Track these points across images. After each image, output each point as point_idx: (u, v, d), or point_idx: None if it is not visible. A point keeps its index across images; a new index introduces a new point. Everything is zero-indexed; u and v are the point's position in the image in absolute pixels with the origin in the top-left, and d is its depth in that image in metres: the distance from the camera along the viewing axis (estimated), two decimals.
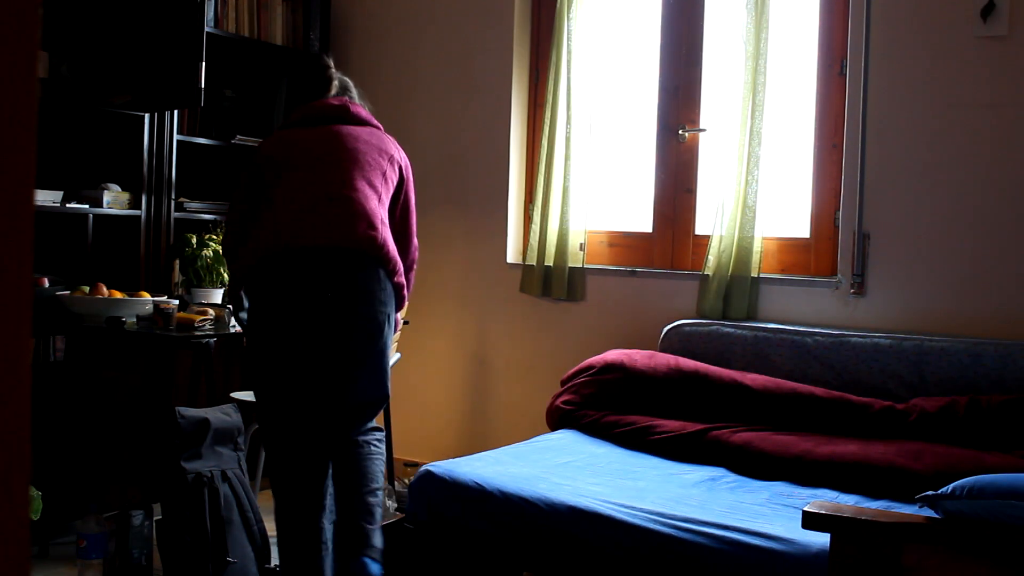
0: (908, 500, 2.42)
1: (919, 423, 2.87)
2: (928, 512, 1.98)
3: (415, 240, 2.96)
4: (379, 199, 2.73)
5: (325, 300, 2.58)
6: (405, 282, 2.77)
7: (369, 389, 2.69)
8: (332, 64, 2.97)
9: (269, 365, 2.65)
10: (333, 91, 2.90)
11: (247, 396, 3.59)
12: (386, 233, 2.68)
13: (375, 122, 2.91)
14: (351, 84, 3.02)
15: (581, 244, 3.91)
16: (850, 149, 3.41)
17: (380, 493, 2.70)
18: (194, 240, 3.88)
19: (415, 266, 2.96)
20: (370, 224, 2.62)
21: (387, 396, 2.77)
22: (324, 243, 2.57)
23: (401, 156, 2.89)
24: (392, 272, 2.68)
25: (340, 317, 2.59)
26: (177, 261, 3.86)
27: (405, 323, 3.79)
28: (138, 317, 3.32)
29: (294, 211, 2.61)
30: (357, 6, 4.56)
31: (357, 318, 2.60)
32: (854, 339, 3.21)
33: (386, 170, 2.78)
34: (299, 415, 2.65)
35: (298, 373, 2.62)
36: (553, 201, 3.91)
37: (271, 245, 2.59)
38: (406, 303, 2.83)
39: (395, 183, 2.83)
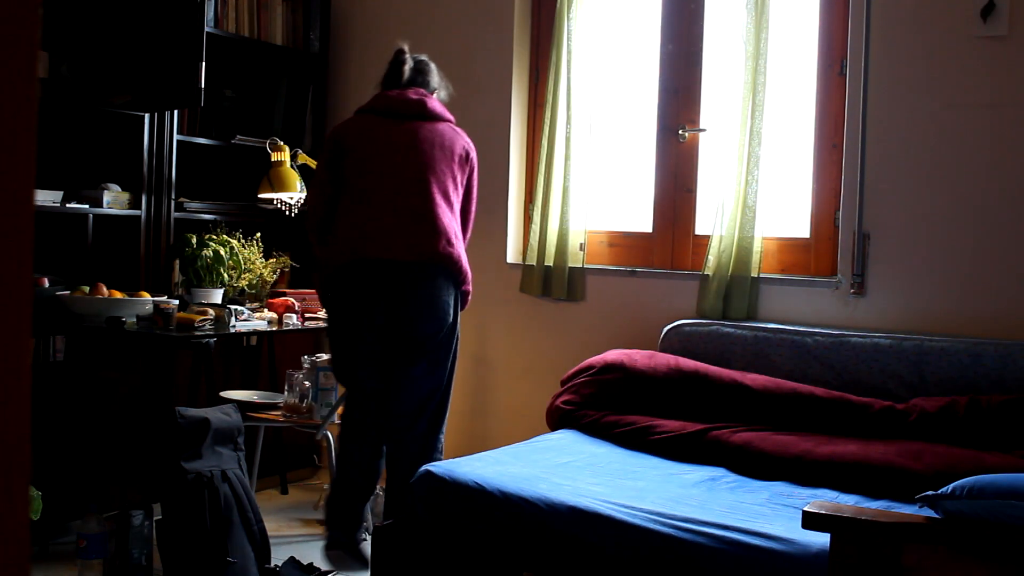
0: (908, 500, 2.42)
1: (919, 423, 2.87)
2: (928, 512, 1.98)
3: (470, 229, 3.23)
4: (452, 209, 3.06)
5: (405, 305, 2.95)
6: (470, 287, 3.14)
7: (433, 381, 3.05)
8: (407, 50, 3.17)
9: (350, 355, 3.02)
10: (406, 76, 3.13)
11: (239, 396, 3.59)
12: (460, 247, 3.05)
13: (448, 115, 3.16)
14: (431, 69, 3.21)
15: (581, 244, 3.91)
16: (850, 149, 3.40)
17: None
18: (194, 240, 3.88)
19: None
20: (448, 241, 2.97)
21: (443, 386, 3.10)
22: (408, 258, 2.92)
23: (470, 149, 3.17)
24: (462, 282, 3.07)
25: (418, 320, 2.96)
26: (177, 261, 3.86)
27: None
28: (138, 317, 3.32)
29: (380, 225, 2.92)
30: (357, 6, 4.56)
31: (433, 322, 2.98)
32: (854, 339, 3.21)
33: (457, 175, 3.09)
34: (371, 403, 3.05)
35: (375, 364, 3.00)
36: (553, 201, 3.91)
37: (359, 254, 2.91)
38: (468, 303, 3.18)
39: (465, 181, 3.14)
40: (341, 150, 3.03)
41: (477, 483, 2.57)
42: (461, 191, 3.13)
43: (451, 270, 2.99)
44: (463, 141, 3.16)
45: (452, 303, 3.02)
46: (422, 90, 3.15)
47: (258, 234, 4.10)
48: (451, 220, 3.03)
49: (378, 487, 3.81)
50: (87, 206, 3.62)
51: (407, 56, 3.17)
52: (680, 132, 3.82)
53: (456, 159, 3.09)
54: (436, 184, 3.01)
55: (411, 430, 3.07)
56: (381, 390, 3.06)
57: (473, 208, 3.22)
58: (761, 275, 3.54)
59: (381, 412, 3.09)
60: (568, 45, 3.89)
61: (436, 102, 3.14)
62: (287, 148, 3.88)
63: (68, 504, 3.41)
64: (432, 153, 3.03)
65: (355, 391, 3.08)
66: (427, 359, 3.02)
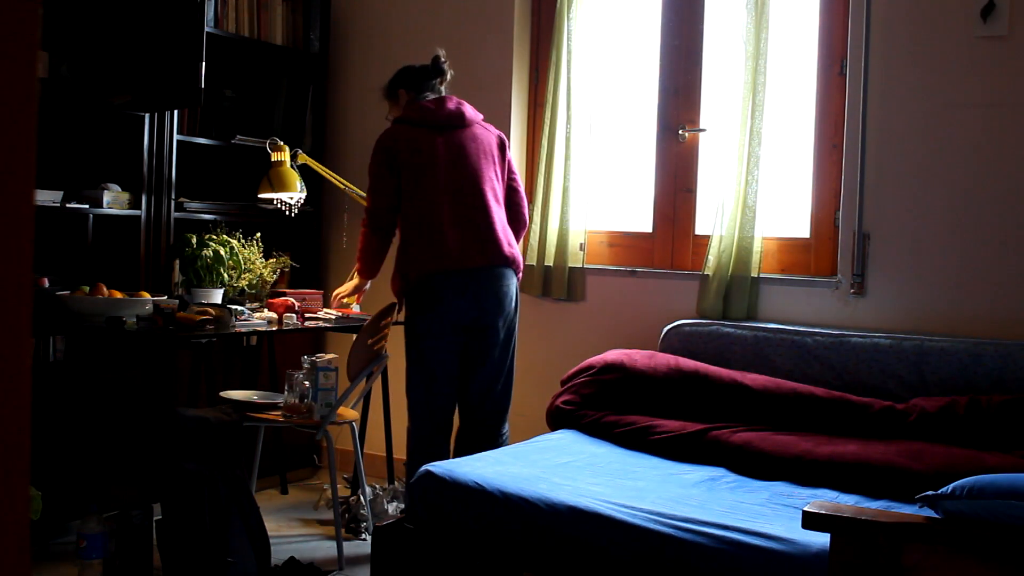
0: (908, 500, 2.42)
1: (919, 423, 2.87)
2: (928, 512, 1.98)
3: (525, 203, 3.51)
4: (503, 208, 3.37)
5: (480, 299, 3.25)
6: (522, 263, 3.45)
7: (500, 363, 3.35)
8: (444, 56, 3.44)
9: (436, 347, 3.24)
10: (447, 82, 3.41)
11: (239, 395, 3.59)
12: (516, 245, 3.37)
13: (479, 116, 3.40)
14: None
15: (581, 244, 3.91)
16: (850, 149, 3.41)
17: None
18: (194, 240, 3.88)
19: (528, 225, 3.61)
20: (509, 243, 3.32)
21: (507, 367, 3.39)
22: (481, 263, 3.24)
23: (503, 137, 3.44)
24: (518, 271, 3.38)
25: (490, 310, 3.27)
26: (177, 261, 3.86)
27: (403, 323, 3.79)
28: (138, 317, 3.32)
29: (451, 241, 3.20)
30: (357, 6, 4.56)
31: (501, 310, 3.29)
32: (854, 339, 3.21)
33: (499, 172, 3.38)
34: (446, 391, 3.28)
35: (453, 356, 3.27)
36: (553, 201, 3.91)
37: (436, 267, 3.20)
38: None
39: (506, 166, 3.42)
40: (396, 163, 3.25)
41: (477, 483, 2.57)
42: (505, 184, 3.40)
43: (513, 267, 3.33)
44: (494, 134, 3.40)
45: (515, 291, 3.36)
46: (454, 97, 3.37)
47: (258, 234, 4.10)
48: (505, 221, 3.36)
49: (377, 486, 3.81)
50: (87, 206, 3.62)
51: (446, 65, 3.41)
52: (680, 132, 3.82)
53: (495, 157, 3.36)
54: (490, 192, 3.30)
55: (481, 409, 3.35)
56: (455, 377, 3.31)
57: (520, 181, 3.50)
58: (761, 275, 3.54)
59: (452, 398, 3.34)
60: (568, 45, 3.89)
61: (469, 107, 3.37)
62: (287, 148, 3.88)
63: (68, 504, 3.41)
64: (478, 162, 3.30)
65: (432, 383, 3.26)
66: (498, 343, 3.31)
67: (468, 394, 3.35)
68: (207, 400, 3.61)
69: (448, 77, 3.43)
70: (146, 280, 3.77)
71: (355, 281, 3.53)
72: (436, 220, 3.21)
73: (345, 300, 3.63)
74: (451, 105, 3.32)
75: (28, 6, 0.54)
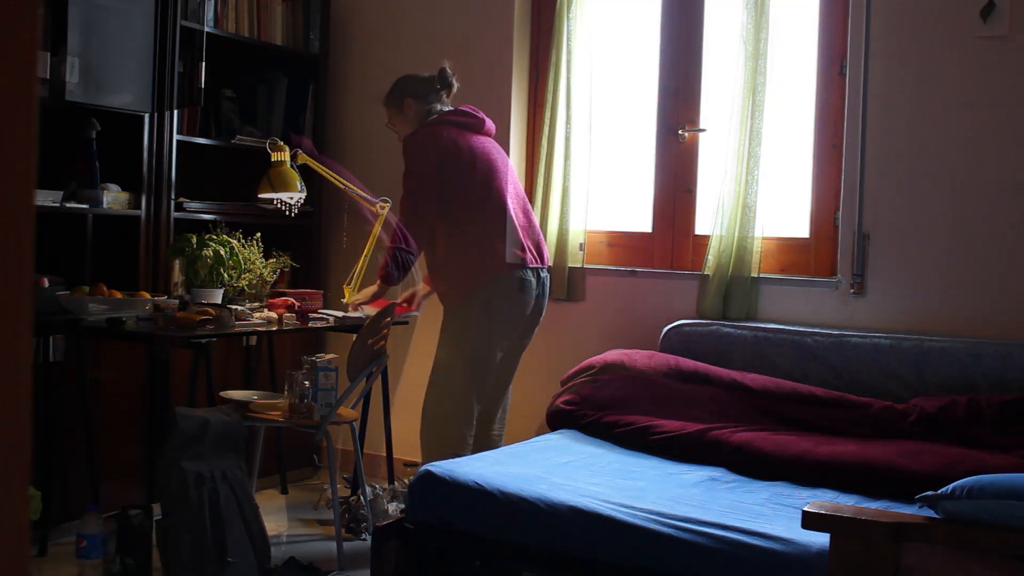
0: (908, 500, 2.42)
1: (919, 423, 2.87)
2: (928, 512, 1.98)
3: None
4: None
5: (540, 302, 3.45)
6: None
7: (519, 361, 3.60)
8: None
9: (500, 345, 3.37)
10: (454, 92, 3.50)
11: (239, 395, 3.59)
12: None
13: None
14: None
15: (581, 244, 3.91)
16: (850, 149, 3.41)
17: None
18: (194, 240, 3.87)
19: None
20: (543, 244, 3.52)
21: None
22: (541, 264, 3.43)
23: None
24: None
25: (543, 310, 3.51)
26: (177, 261, 3.85)
27: (404, 323, 3.80)
28: (138, 317, 3.31)
29: (524, 237, 3.35)
30: (357, 6, 4.56)
31: (542, 315, 3.51)
32: (854, 339, 3.21)
33: None
34: (486, 381, 3.38)
35: (499, 346, 3.37)
36: (553, 201, 3.91)
37: (518, 260, 3.32)
38: None
39: None
40: (450, 162, 3.27)
41: (477, 483, 2.57)
42: None
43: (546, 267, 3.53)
44: None
45: None
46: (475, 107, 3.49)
47: (258, 234, 4.09)
48: None
49: (377, 486, 3.81)
50: (87, 206, 3.61)
51: (454, 78, 3.50)
52: (680, 132, 3.82)
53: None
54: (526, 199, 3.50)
55: (505, 391, 3.57)
56: (495, 366, 3.43)
57: None
58: (761, 275, 3.54)
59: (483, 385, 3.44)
60: (568, 45, 3.89)
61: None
62: (287, 148, 3.88)
63: (68, 504, 3.41)
64: (509, 167, 3.47)
65: (480, 381, 3.35)
66: (528, 340, 3.53)
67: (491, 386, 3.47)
68: (207, 400, 3.61)
69: (455, 90, 3.47)
70: (146, 280, 3.76)
71: (374, 288, 3.52)
72: (510, 218, 3.33)
73: (365, 308, 3.62)
74: (489, 122, 3.46)
75: (28, 6, 0.54)
